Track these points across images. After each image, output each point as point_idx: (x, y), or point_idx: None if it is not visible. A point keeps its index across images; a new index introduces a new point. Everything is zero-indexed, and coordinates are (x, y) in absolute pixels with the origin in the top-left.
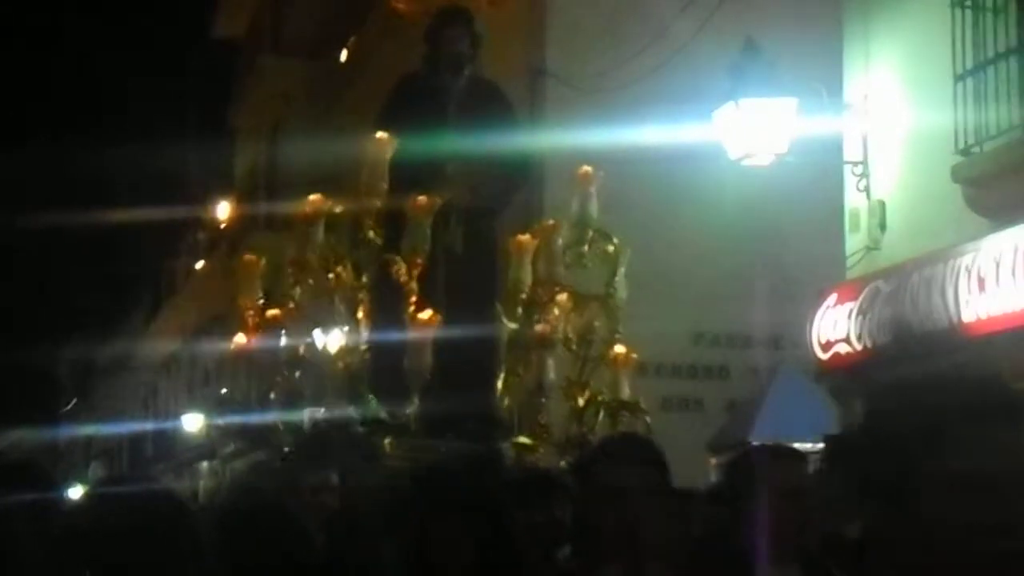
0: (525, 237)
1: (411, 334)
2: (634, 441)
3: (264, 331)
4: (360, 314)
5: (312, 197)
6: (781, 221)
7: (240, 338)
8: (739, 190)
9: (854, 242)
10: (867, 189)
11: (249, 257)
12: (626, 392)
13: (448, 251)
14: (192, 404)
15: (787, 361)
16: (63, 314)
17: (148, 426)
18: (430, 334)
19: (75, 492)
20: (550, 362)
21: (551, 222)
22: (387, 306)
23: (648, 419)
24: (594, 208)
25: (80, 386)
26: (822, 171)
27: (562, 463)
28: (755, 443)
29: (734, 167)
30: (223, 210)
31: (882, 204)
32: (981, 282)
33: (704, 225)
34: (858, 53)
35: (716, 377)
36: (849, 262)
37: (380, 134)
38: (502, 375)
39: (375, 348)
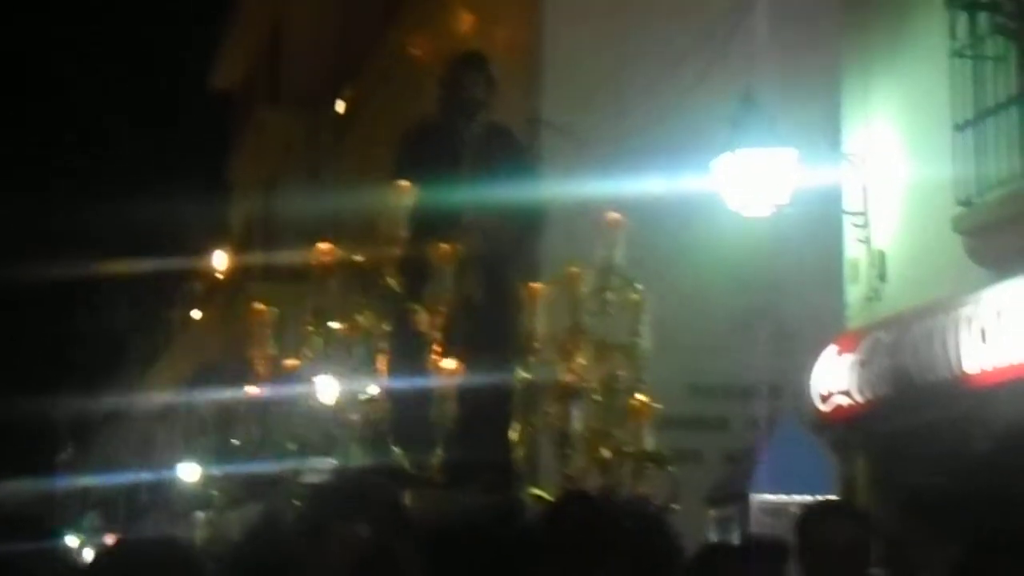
0: (539, 285)
1: (434, 383)
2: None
3: (279, 380)
4: (380, 363)
5: (326, 246)
6: (780, 272)
7: (251, 388)
8: (738, 241)
9: (854, 293)
10: (867, 240)
11: (259, 306)
12: (650, 443)
13: (466, 300)
14: (189, 454)
15: (786, 412)
16: (60, 363)
17: (144, 476)
18: (454, 383)
19: (71, 541)
20: (575, 412)
21: (574, 269)
22: (408, 355)
23: (672, 470)
24: (620, 255)
25: (77, 435)
26: (822, 222)
27: None
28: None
29: (733, 218)
30: (220, 260)
31: (882, 255)
32: (982, 333)
33: (703, 276)
34: (857, 103)
35: (714, 428)
36: (849, 313)
37: (400, 182)
38: (518, 425)
39: (396, 398)
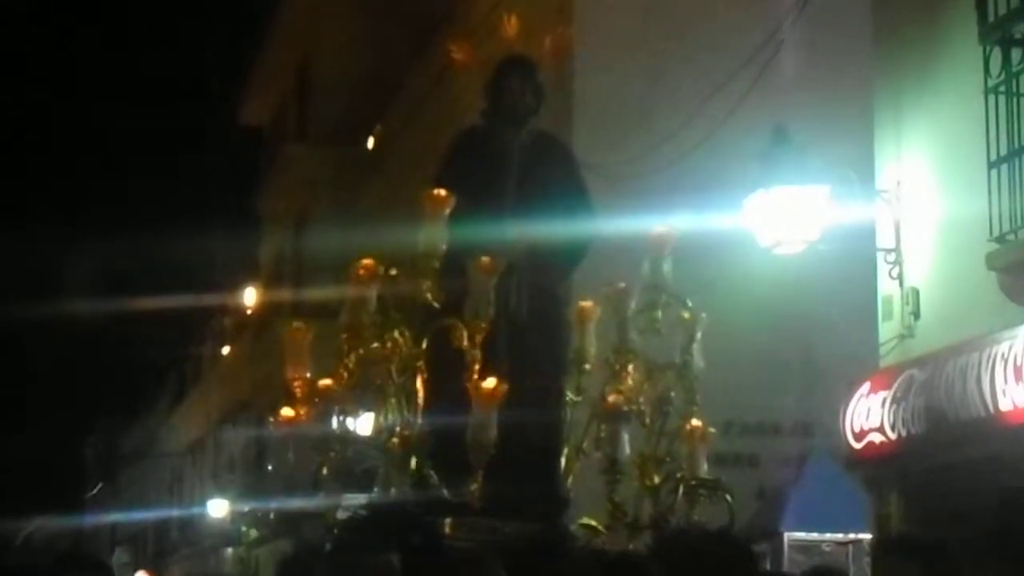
0: (589, 304)
1: (474, 405)
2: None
3: (314, 404)
4: (418, 383)
5: (368, 260)
6: (813, 309)
7: (287, 411)
8: (771, 278)
9: (887, 330)
10: (900, 276)
11: (297, 325)
12: (703, 468)
13: (510, 318)
14: (217, 490)
15: (819, 450)
16: (89, 400)
17: (173, 512)
18: (495, 405)
19: None
20: (625, 436)
21: (622, 285)
22: (447, 375)
23: (729, 498)
24: (668, 271)
25: (106, 471)
26: (855, 258)
27: (631, 546)
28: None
29: (765, 255)
30: (249, 297)
31: (916, 291)
32: (1018, 371)
33: (735, 313)
34: (890, 139)
35: (746, 465)
36: (883, 350)
37: (438, 190)
38: (566, 451)
39: (434, 420)
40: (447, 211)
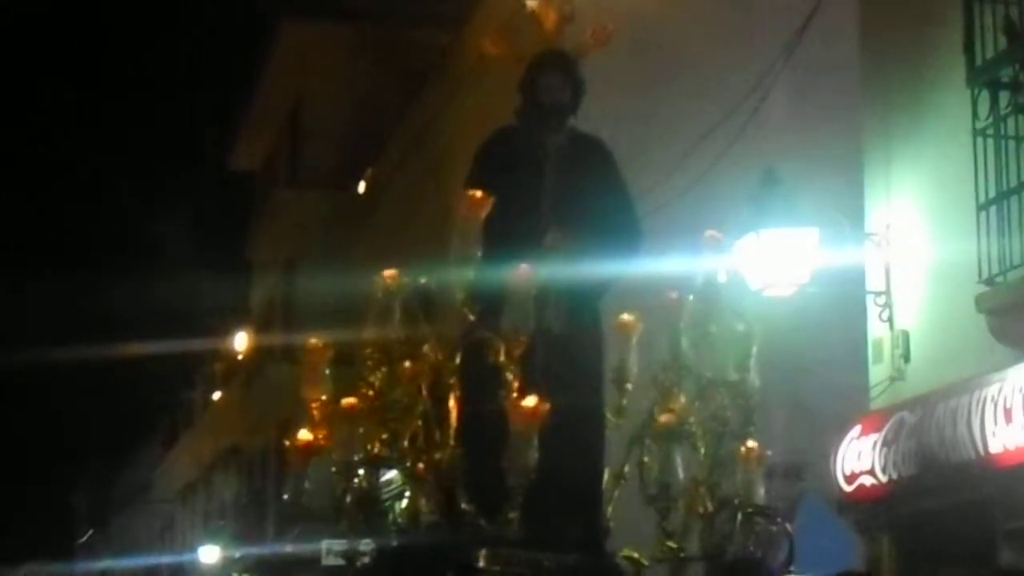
0: (630, 317)
1: (512, 426)
2: None
3: (335, 425)
4: (451, 403)
5: (391, 271)
6: (803, 351)
7: (303, 435)
8: (760, 321)
9: (878, 372)
10: (890, 319)
11: (315, 342)
12: (760, 494)
13: (546, 332)
14: (208, 536)
15: (810, 493)
16: (80, 445)
17: (164, 558)
18: (536, 426)
19: None
20: (678, 460)
21: (674, 295)
22: (482, 393)
23: (789, 527)
24: (723, 279)
25: (96, 517)
26: (844, 301)
27: None
28: None
29: (755, 298)
30: (240, 341)
31: (906, 334)
32: (1008, 413)
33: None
34: (879, 182)
35: None
36: (873, 392)
37: (474, 192)
38: (608, 475)
39: (468, 442)
40: (483, 215)
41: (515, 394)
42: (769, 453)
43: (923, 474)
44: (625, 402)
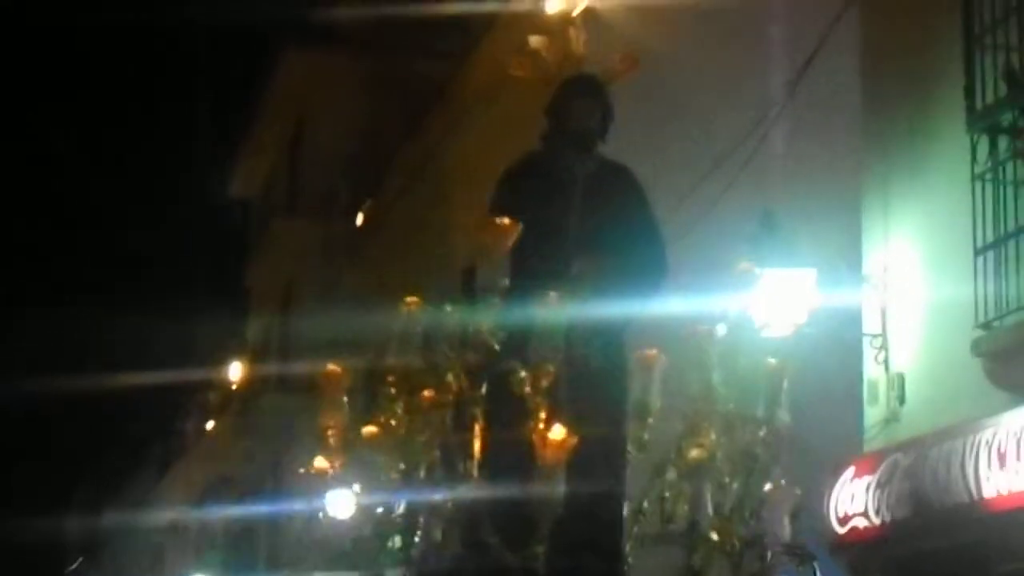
0: (652, 352)
1: (540, 459)
2: None
3: (353, 452)
4: (475, 433)
5: (412, 298)
6: (799, 392)
7: (320, 463)
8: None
9: (873, 414)
10: (886, 361)
11: (333, 368)
12: (787, 532)
13: (572, 363)
14: (200, 566)
15: (803, 533)
16: (71, 474)
17: None
18: (563, 459)
19: None
20: (708, 496)
21: (703, 328)
22: (507, 424)
23: (816, 565)
24: (758, 310)
25: (87, 547)
26: (840, 343)
27: None
28: None
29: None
30: (235, 371)
31: (901, 377)
32: (1002, 457)
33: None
34: (877, 225)
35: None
36: (867, 435)
37: (502, 218)
38: (632, 511)
39: (493, 475)
40: (510, 242)
41: (541, 425)
42: (798, 492)
43: (917, 517)
44: (646, 436)
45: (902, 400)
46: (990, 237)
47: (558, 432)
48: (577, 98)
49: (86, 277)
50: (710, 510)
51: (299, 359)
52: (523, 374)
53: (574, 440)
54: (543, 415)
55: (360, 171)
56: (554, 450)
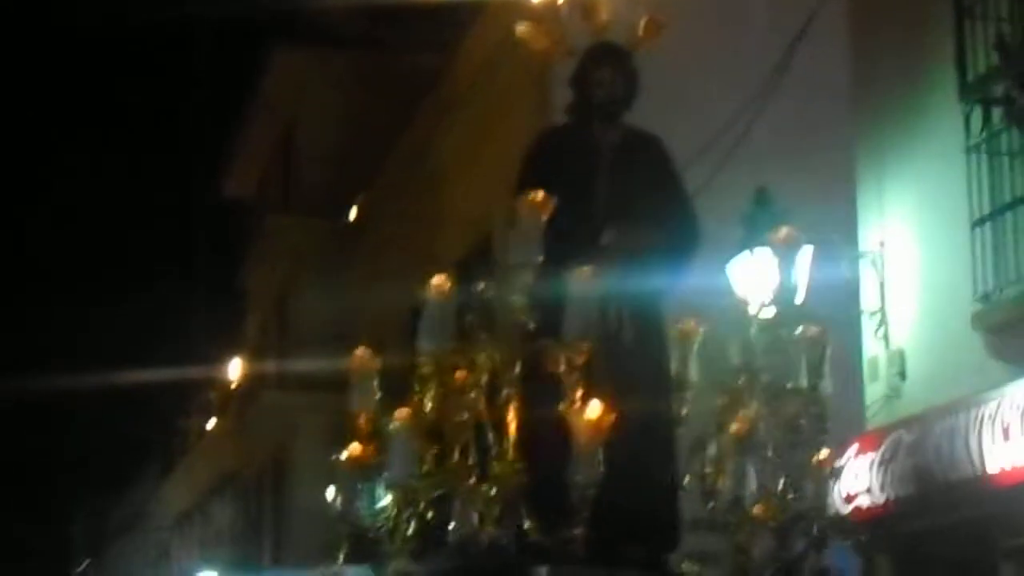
0: (690, 324)
1: (576, 438)
2: None
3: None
4: (510, 414)
5: (440, 278)
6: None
7: (354, 448)
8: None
9: (874, 391)
10: (885, 337)
11: (362, 352)
12: (833, 507)
13: (609, 338)
14: (205, 563)
15: None
16: (77, 474)
17: None
18: (601, 437)
19: None
20: (750, 469)
21: (745, 299)
22: (542, 403)
23: (863, 539)
24: (802, 281)
25: (93, 546)
26: (839, 320)
27: None
28: None
29: (748, 317)
30: (234, 369)
31: (901, 352)
32: (1005, 431)
33: (720, 375)
34: (873, 201)
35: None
36: (869, 412)
37: (536, 193)
38: (675, 488)
39: (529, 455)
40: (545, 217)
41: (578, 404)
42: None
43: (921, 493)
44: (685, 411)
45: (903, 376)
46: (986, 209)
47: (594, 410)
48: (600, 67)
49: (85, 277)
50: (753, 486)
51: (297, 355)
52: (559, 352)
53: (612, 418)
54: (579, 393)
55: (353, 166)
56: (591, 429)
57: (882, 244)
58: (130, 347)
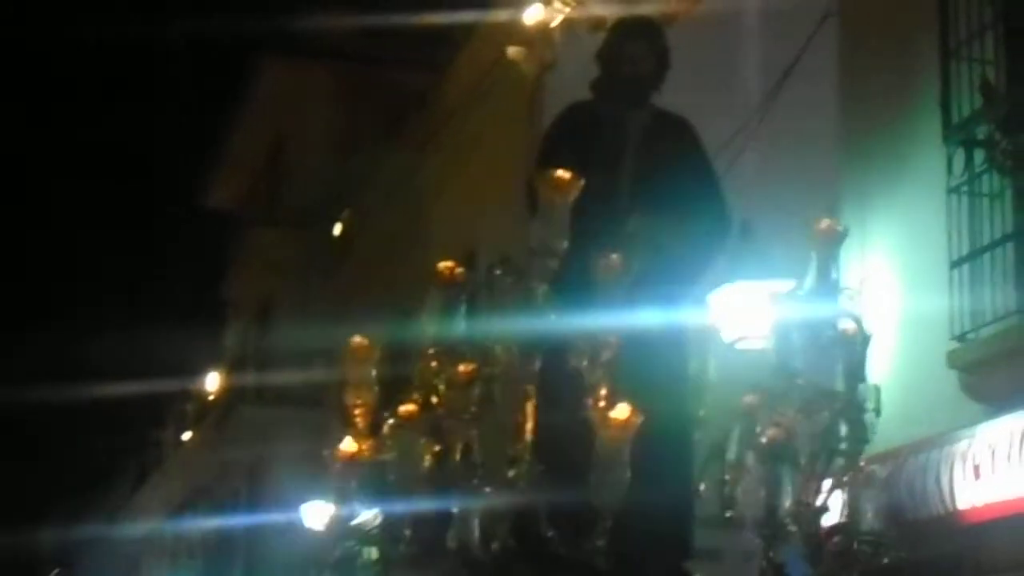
0: (712, 321)
1: (599, 440)
2: None
3: (384, 435)
4: (527, 411)
5: (446, 263)
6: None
7: (348, 446)
8: (733, 373)
9: None
10: None
11: (360, 340)
12: (869, 521)
13: (636, 332)
14: None
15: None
16: (46, 486)
17: None
18: (627, 440)
19: None
20: (787, 481)
21: (779, 292)
22: (564, 402)
23: (903, 555)
24: (838, 274)
25: (62, 557)
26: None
27: None
28: None
29: (728, 350)
30: (212, 382)
31: (877, 389)
32: (976, 469)
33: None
34: (854, 237)
35: (706, 559)
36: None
37: (561, 172)
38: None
39: (547, 459)
40: (571, 198)
41: (602, 403)
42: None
43: (892, 529)
44: (703, 413)
45: (878, 412)
46: (965, 250)
47: (621, 411)
48: (629, 41)
49: (62, 288)
50: (788, 498)
51: (277, 369)
52: (583, 346)
53: (639, 419)
54: (603, 392)
55: (339, 182)
56: (617, 431)
57: (862, 281)
58: (107, 357)
